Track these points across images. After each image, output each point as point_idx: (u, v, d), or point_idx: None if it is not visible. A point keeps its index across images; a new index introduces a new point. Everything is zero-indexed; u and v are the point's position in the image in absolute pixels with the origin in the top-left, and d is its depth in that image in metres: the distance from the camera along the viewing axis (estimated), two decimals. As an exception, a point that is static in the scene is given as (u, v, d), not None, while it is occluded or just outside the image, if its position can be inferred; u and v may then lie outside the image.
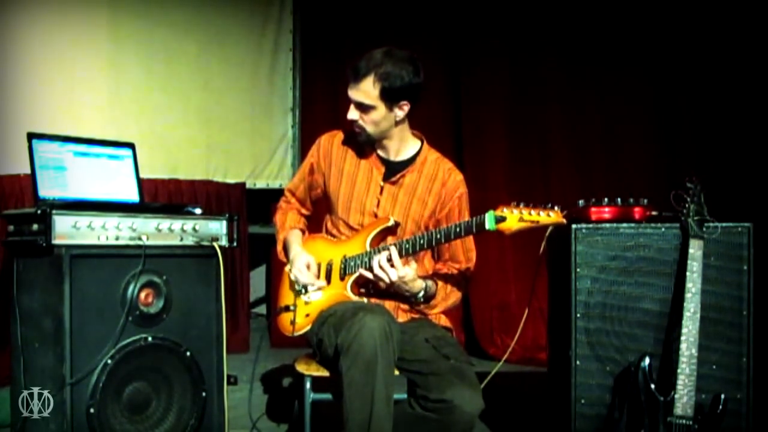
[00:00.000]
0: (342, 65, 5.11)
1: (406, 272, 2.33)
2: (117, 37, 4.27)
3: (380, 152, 2.55)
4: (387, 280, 2.33)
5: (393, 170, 2.53)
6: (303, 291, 2.49)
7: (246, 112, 5.02)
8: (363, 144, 2.53)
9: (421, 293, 2.42)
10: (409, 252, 2.36)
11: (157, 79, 4.47)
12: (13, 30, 3.83)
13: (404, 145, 2.54)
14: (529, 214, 2.19)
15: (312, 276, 2.49)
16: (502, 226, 2.21)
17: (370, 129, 2.44)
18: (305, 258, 2.51)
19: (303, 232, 2.69)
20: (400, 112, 2.42)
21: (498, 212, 2.22)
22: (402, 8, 4.89)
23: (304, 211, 2.74)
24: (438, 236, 2.33)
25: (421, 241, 2.34)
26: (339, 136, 2.62)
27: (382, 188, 2.52)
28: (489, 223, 2.23)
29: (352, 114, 2.42)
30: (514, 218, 2.20)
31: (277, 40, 5.19)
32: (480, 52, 4.73)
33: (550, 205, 2.21)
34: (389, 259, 2.32)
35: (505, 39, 4.69)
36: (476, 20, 4.72)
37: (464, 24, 4.75)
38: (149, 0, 4.46)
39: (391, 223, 2.46)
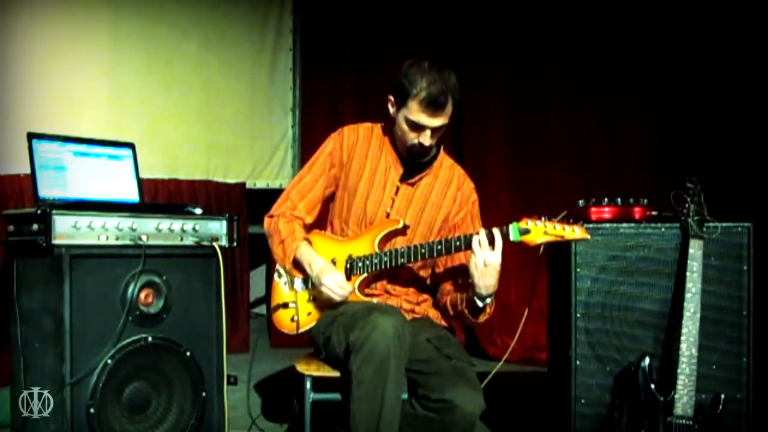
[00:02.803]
0: (342, 65, 5.12)
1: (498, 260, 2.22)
2: (117, 37, 4.28)
3: (402, 152, 2.49)
4: (481, 263, 2.21)
5: (411, 172, 2.51)
6: (308, 286, 2.48)
7: (246, 112, 5.02)
8: (381, 142, 2.52)
9: (491, 299, 2.33)
10: (425, 256, 2.32)
11: (157, 79, 4.48)
12: (14, 30, 3.83)
13: None
14: (554, 228, 2.18)
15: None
16: (526, 238, 2.19)
17: (433, 143, 2.41)
18: (338, 274, 2.41)
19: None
20: None
21: (522, 224, 2.20)
22: (402, 9, 4.89)
23: (308, 220, 2.59)
24: (457, 243, 2.28)
25: (439, 247, 2.30)
26: (360, 130, 2.57)
27: (397, 189, 2.50)
28: (513, 234, 2.21)
29: (431, 139, 2.37)
30: (539, 231, 2.18)
31: (277, 40, 5.19)
32: (480, 53, 4.72)
33: (577, 221, 2.19)
34: (491, 243, 2.22)
35: (505, 40, 4.68)
36: (476, 21, 4.72)
37: (464, 24, 4.75)
38: (149, 0, 4.46)
39: (400, 225, 2.43)
